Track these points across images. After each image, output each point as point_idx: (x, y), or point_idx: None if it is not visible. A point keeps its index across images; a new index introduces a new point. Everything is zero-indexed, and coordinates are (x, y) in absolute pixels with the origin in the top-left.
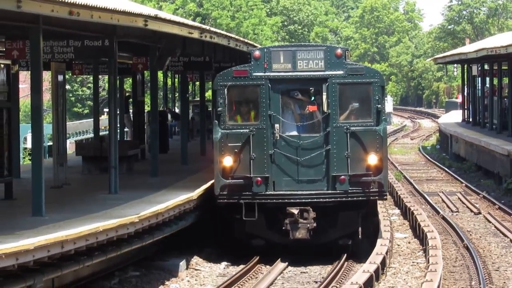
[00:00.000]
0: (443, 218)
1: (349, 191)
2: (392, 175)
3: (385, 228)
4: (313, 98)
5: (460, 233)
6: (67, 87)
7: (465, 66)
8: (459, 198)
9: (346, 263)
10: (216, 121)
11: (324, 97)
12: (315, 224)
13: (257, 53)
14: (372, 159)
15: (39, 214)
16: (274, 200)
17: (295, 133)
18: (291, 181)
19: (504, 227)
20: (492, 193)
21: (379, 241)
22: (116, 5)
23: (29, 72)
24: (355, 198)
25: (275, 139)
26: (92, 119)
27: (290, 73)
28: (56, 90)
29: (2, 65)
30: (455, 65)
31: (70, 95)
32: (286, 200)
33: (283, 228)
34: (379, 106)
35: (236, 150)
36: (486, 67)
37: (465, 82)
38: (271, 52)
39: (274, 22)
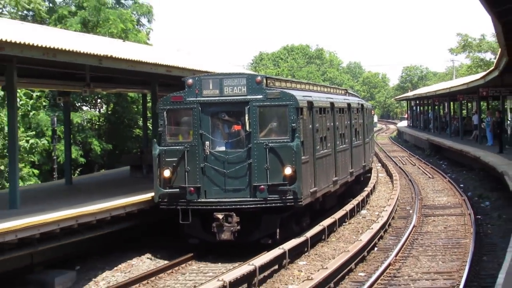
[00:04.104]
0: (400, 167)
1: (268, 198)
2: (377, 149)
3: (374, 172)
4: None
5: (407, 174)
6: None
7: (408, 101)
8: (406, 158)
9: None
10: (154, 139)
11: (246, 117)
12: (238, 227)
13: (190, 81)
14: (288, 171)
15: None
16: (205, 207)
17: (223, 148)
18: (219, 190)
19: (426, 171)
20: (421, 156)
21: (371, 178)
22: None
23: None
24: (273, 205)
25: (205, 154)
26: None
27: (218, 98)
28: None
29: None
30: (404, 101)
31: None
32: (214, 207)
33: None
34: (293, 125)
35: (174, 164)
36: (418, 101)
37: (408, 108)
38: (201, 80)
39: None
